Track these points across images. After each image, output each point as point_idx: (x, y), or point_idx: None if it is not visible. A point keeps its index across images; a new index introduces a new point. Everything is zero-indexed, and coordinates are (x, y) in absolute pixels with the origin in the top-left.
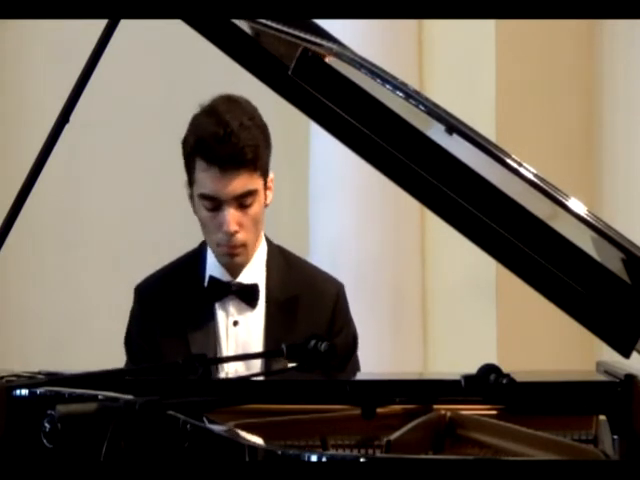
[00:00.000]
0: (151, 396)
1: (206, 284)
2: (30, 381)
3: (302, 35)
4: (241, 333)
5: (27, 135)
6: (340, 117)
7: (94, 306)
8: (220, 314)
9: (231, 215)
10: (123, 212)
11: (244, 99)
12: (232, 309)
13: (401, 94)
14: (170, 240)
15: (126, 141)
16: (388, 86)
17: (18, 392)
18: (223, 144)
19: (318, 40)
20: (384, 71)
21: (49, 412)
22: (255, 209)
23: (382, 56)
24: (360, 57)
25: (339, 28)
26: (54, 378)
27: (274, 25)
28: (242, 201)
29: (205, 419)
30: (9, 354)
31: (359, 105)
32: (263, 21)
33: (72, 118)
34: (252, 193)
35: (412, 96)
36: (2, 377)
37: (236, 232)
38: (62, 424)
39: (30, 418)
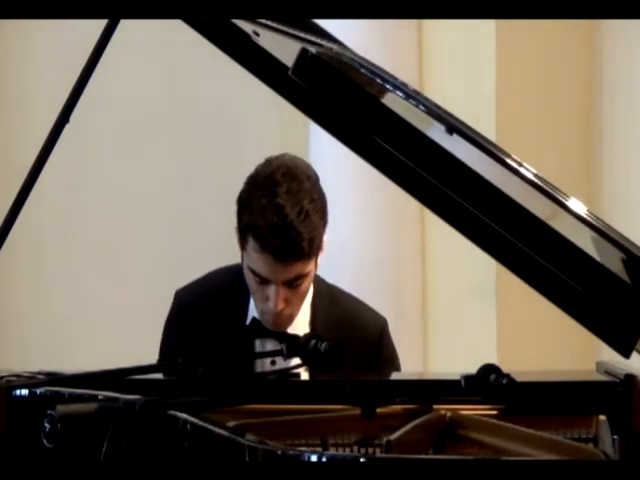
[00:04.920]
0: (151, 396)
1: (248, 322)
2: (30, 381)
3: (302, 35)
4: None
5: (27, 135)
6: (340, 117)
7: (95, 306)
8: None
9: (279, 295)
10: (123, 212)
11: (304, 166)
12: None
13: (401, 94)
14: (171, 240)
15: (126, 141)
16: (388, 86)
17: (18, 392)
18: (279, 236)
19: (318, 40)
20: (384, 71)
21: (49, 412)
22: (305, 286)
23: (382, 56)
24: (360, 57)
25: (339, 28)
26: (54, 378)
27: (274, 25)
28: (293, 283)
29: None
30: (9, 354)
31: (359, 105)
32: (263, 21)
33: (72, 118)
34: (304, 275)
35: (412, 96)
36: (2, 377)
37: (283, 309)
38: (62, 424)
39: (30, 418)
